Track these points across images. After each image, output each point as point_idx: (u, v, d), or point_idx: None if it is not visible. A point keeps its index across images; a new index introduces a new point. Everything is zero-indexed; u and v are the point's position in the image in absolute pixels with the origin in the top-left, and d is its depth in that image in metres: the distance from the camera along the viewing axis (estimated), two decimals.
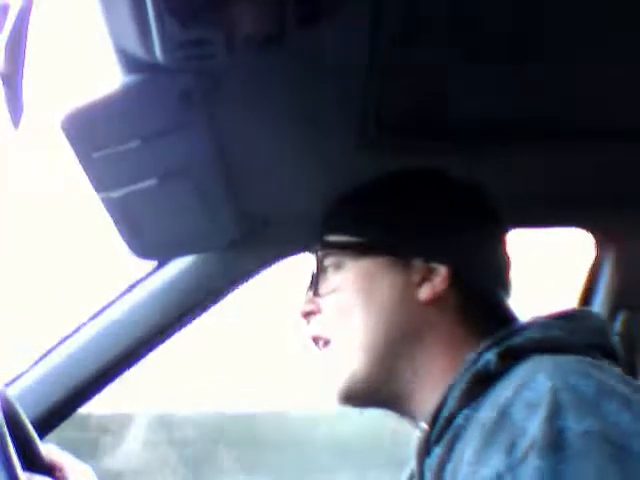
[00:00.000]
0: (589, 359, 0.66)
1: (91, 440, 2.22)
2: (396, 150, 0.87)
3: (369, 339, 0.77)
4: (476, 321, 0.77)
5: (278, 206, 1.00)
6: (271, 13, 0.57)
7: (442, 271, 0.77)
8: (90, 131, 0.71)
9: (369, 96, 0.77)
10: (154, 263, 1.10)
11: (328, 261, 0.82)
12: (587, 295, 1.24)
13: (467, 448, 0.63)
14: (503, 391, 0.63)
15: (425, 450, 0.70)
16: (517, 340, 0.69)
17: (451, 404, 0.68)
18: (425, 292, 0.77)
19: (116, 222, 0.88)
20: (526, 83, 0.79)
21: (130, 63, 0.65)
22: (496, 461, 0.58)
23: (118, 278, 1.17)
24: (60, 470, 0.90)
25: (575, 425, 0.57)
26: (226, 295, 1.13)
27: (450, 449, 0.66)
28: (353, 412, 0.82)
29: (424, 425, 0.72)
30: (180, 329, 1.13)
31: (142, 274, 1.12)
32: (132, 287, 1.12)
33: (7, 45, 0.63)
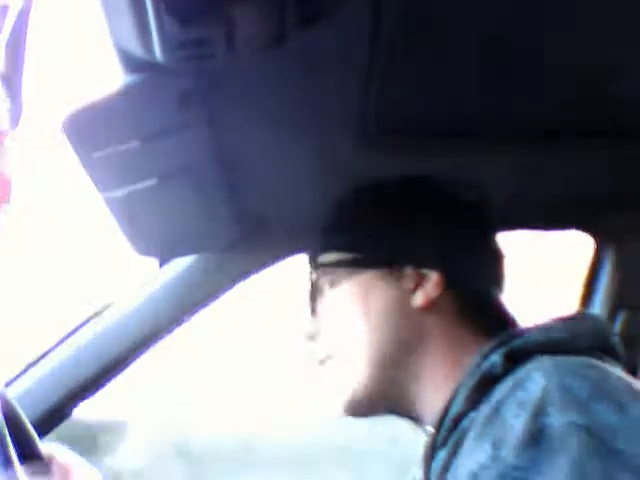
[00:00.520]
0: (591, 360, 0.66)
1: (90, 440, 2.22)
2: (396, 150, 0.87)
3: (369, 351, 0.79)
4: (474, 323, 0.78)
5: (278, 206, 1.00)
6: (271, 13, 0.57)
7: (433, 277, 0.78)
8: (90, 131, 0.71)
9: (369, 96, 0.77)
10: (154, 263, 1.10)
11: (322, 280, 0.84)
12: (587, 295, 1.24)
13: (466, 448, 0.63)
14: (501, 391, 0.64)
15: (431, 455, 0.71)
16: (521, 342, 0.70)
17: (457, 407, 0.69)
18: (419, 299, 0.78)
19: (116, 222, 0.88)
20: (526, 83, 0.79)
21: (130, 63, 0.65)
22: (482, 455, 0.59)
23: (118, 278, 1.17)
24: (67, 472, 0.90)
25: (558, 420, 0.57)
26: (225, 295, 1.13)
27: (454, 452, 0.66)
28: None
29: (431, 429, 0.72)
30: (180, 329, 1.13)
31: (142, 274, 1.12)
32: (132, 287, 1.12)
33: (7, 45, 0.63)
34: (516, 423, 0.59)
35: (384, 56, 0.71)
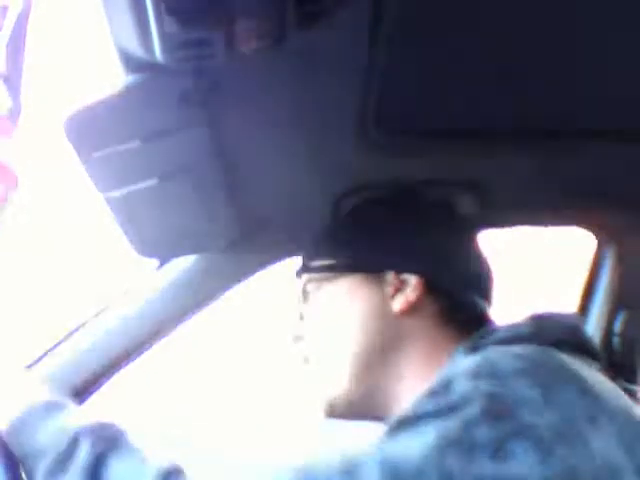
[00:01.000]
0: (545, 349, 0.66)
1: None
2: (396, 150, 0.87)
3: (351, 355, 0.80)
4: (455, 326, 0.79)
5: (278, 206, 1.00)
6: (271, 13, 0.57)
7: (413, 281, 0.80)
8: (90, 131, 0.71)
9: (369, 96, 0.77)
10: (155, 263, 1.10)
11: (308, 285, 0.86)
12: (587, 295, 1.24)
13: None
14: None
15: None
16: (488, 339, 0.71)
17: None
18: (399, 303, 0.80)
19: (116, 222, 0.88)
20: (526, 83, 0.79)
21: (130, 63, 0.65)
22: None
23: (118, 278, 1.17)
24: None
25: (464, 384, 0.59)
26: (225, 295, 1.13)
27: None
28: None
29: None
30: (179, 329, 1.13)
31: (142, 274, 1.12)
32: (132, 287, 1.12)
33: (7, 45, 0.63)
34: (434, 384, 0.61)
35: (384, 56, 0.71)
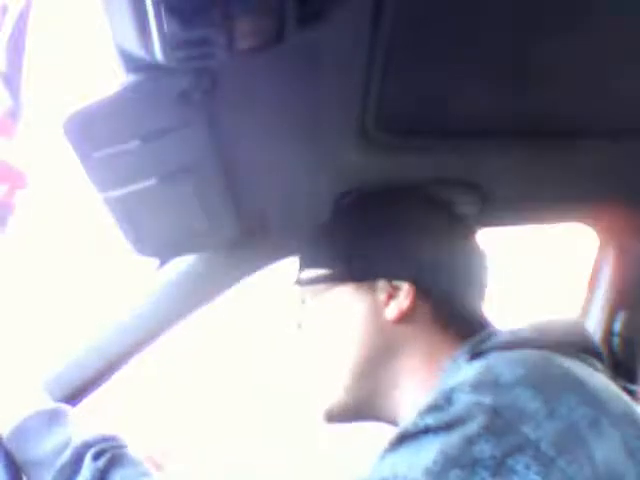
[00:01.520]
0: (547, 354, 0.66)
1: None
2: (396, 150, 0.87)
3: (347, 364, 0.81)
4: (450, 330, 0.79)
5: (278, 206, 1.00)
6: (271, 13, 0.57)
7: (405, 288, 0.79)
8: (90, 131, 0.71)
9: (369, 96, 0.77)
10: (155, 262, 1.10)
11: (304, 295, 0.87)
12: (588, 295, 1.24)
13: None
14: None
15: None
16: (487, 344, 0.70)
17: None
18: (392, 310, 0.79)
19: (116, 222, 0.88)
20: (526, 83, 0.79)
21: (130, 63, 0.65)
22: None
23: (118, 278, 1.17)
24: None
25: (467, 397, 0.59)
26: (225, 294, 1.13)
27: None
28: None
29: None
30: (179, 329, 1.13)
31: (142, 274, 1.12)
32: (132, 287, 1.12)
33: (7, 44, 0.63)
34: (436, 396, 0.61)
35: (384, 56, 0.71)
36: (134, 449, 0.83)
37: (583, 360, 0.69)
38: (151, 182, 0.81)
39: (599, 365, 0.71)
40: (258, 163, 0.89)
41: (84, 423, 0.85)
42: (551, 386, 0.60)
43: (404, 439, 0.60)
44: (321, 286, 0.84)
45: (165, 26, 0.54)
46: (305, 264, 0.88)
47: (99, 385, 1.10)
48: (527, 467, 0.55)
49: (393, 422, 0.80)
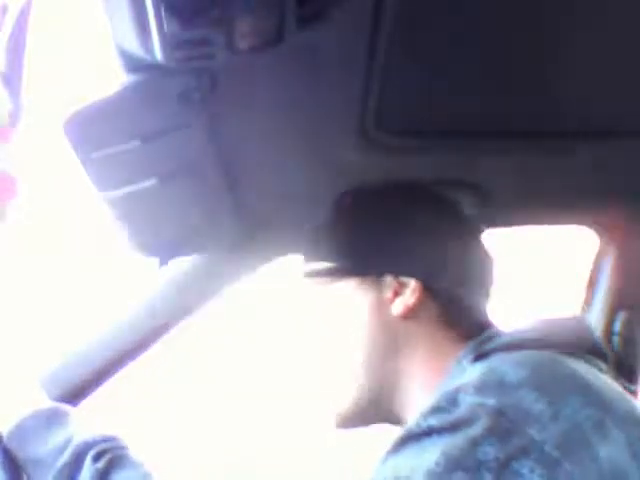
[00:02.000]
0: (551, 355, 0.66)
1: None
2: (396, 150, 0.87)
3: (354, 362, 0.80)
4: (455, 329, 0.78)
5: (278, 206, 1.00)
6: (271, 12, 0.57)
7: (412, 285, 0.79)
8: (90, 131, 0.71)
9: (369, 96, 0.77)
10: (155, 263, 1.10)
11: (310, 290, 0.86)
12: (588, 295, 1.24)
13: None
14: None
15: None
16: (491, 344, 0.70)
17: None
18: (398, 307, 0.79)
19: (116, 222, 0.88)
20: (526, 83, 0.79)
21: (130, 63, 0.65)
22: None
23: (118, 278, 1.17)
24: None
25: (471, 398, 0.59)
26: (225, 295, 1.13)
27: None
28: None
29: None
30: (179, 329, 1.13)
31: (142, 274, 1.12)
32: (132, 287, 1.12)
33: (7, 44, 0.63)
34: (440, 398, 0.61)
35: (384, 56, 0.71)
36: (134, 450, 0.83)
37: (588, 361, 0.69)
38: (151, 182, 0.81)
39: (603, 366, 0.71)
40: (258, 163, 0.89)
41: (84, 423, 0.85)
42: (555, 388, 0.60)
43: (407, 440, 0.60)
44: (326, 279, 0.84)
45: (165, 26, 0.54)
46: (310, 256, 0.87)
47: (99, 385, 1.10)
48: (531, 470, 0.54)
49: (399, 423, 0.80)
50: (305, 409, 2.16)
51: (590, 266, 1.23)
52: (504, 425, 0.56)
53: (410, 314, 0.78)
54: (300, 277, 0.88)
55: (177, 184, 0.84)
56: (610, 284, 1.20)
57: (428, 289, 0.79)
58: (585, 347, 0.71)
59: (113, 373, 1.11)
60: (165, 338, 1.12)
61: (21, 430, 0.82)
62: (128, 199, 0.82)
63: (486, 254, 0.84)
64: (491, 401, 0.58)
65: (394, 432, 0.67)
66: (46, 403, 0.87)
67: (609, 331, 1.20)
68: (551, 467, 0.55)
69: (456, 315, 0.79)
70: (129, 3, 0.54)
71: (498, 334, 0.73)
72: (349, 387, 0.80)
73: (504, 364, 0.63)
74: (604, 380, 0.66)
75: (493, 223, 1.08)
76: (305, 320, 0.87)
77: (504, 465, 0.55)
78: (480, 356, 0.69)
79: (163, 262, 1.10)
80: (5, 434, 0.83)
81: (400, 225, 0.83)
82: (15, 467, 0.83)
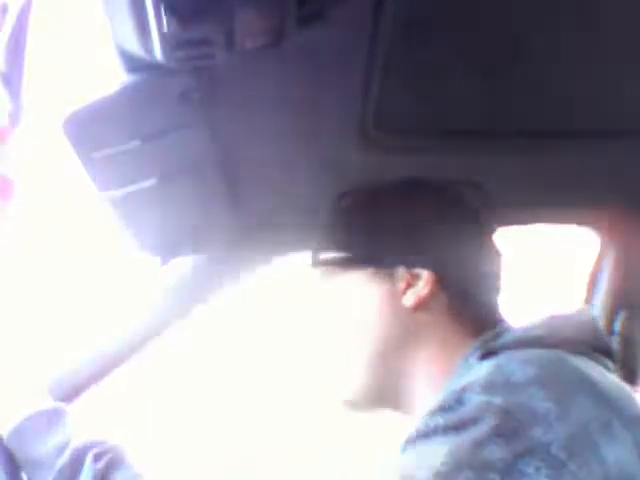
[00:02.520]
0: (559, 353, 0.66)
1: None
2: (396, 150, 0.87)
3: (365, 349, 0.80)
4: (466, 322, 0.78)
5: (278, 206, 1.00)
6: (271, 13, 0.57)
7: (425, 277, 0.79)
8: (90, 131, 0.71)
9: (369, 96, 0.77)
10: (155, 262, 1.10)
11: (320, 278, 0.85)
12: (588, 294, 1.24)
13: None
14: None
15: None
16: (500, 341, 0.70)
17: None
18: (410, 298, 0.79)
19: (116, 222, 0.88)
20: (526, 83, 0.79)
21: (130, 63, 0.65)
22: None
23: (118, 278, 1.17)
24: None
25: (478, 397, 0.59)
26: (225, 295, 1.13)
27: None
28: None
29: None
30: (178, 329, 1.13)
31: (142, 274, 1.12)
32: (132, 287, 1.12)
33: (7, 44, 0.63)
34: (447, 397, 0.61)
35: (384, 56, 0.71)
36: (133, 450, 0.83)
37: (595, 359, 0.69)
38: (151, 182, 0.81)
39: (610, 364, 0.71)
40: (258, 163, 0.89)
41: (83, 423, 0.85)
42: (563, 387, 0.60)
43: (414, 439, 0.60)
44: (339, 268, 0.83)
45: (165, 26, 0.54)
46: (325, 245, 0.87)
47: (99, 385, 1.10)
48: (537, 470, 0.54)
49: (406, 411, 0.80)
50: (305, 409, 2.16)
51: (590, 266, 1.23)
52: (510, 424, 0.56)
53: (421, 306, 0.78)
54: (311, 268, 0.87)
55: (177, 184, 0.84)
56: (610, 284, 1.20)
57: (440, 282, 0.79)
58: (592, 345, 0.71)
59: (111, 374, 1.11)
60: (165, 337, 1.12)
61: (21, 431, 0.83)
62: (128, 199, 0.82)
63: (496, 250, 0.84)
64: (498, 400, 0.58)
65: (394, 432, 0.67)
66: (46, 403, 0.87)
67: (609, 331, 1.20)
68: (557, 468, 0.54)
69: (466, 309, 0.79)
70: (129, 3, 0.54)
71: (507, 330, 0.73)
72: (359, 374, 0.80)
73: (511, 362, 0.62)
74: (611, 379, 0.66)
75: (493, 222, 1.08)
76: (316, 310, 0.86)
77: (510, 465, 0.54)
78: (488, 353, 0.69)
79: (164, 261, 1.10)
80: (5, 435, 0.83)
81: (414, 217, 0.83)
82: (15, 468, 0.83)
